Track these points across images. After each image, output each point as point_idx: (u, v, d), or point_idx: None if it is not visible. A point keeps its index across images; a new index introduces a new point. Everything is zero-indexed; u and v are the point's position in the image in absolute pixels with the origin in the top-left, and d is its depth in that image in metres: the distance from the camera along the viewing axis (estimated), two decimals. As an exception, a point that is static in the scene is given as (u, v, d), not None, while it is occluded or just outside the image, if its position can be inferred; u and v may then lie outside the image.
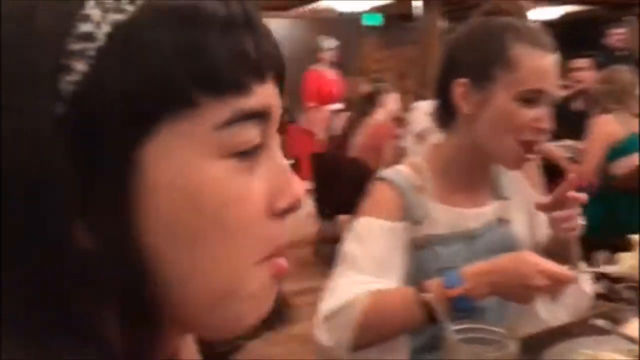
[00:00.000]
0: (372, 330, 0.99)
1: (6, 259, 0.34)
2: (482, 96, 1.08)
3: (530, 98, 1.05)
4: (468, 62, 1.10)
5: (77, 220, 0.35)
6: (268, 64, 0.39)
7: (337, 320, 0.99)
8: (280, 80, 0.41)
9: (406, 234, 1.11)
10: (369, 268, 1.05)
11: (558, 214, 1.08)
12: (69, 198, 0.34)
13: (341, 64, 5.99)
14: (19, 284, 0.34)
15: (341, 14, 7.48)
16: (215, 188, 0.37)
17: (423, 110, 3.49)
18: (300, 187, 0.41)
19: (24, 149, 0.34)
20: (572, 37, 7.77)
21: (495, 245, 1.15)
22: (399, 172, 1.17)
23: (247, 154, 0.38)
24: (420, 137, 3.37)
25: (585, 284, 1.16)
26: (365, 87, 4.43)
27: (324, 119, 5.24)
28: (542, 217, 1.22)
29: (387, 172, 1.17)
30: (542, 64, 1.06)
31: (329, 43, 5.70)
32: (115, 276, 0.35)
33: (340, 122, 4.53)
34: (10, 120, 0.34)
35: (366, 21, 9.14)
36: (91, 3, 0.36)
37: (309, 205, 5.10)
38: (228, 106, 0.37)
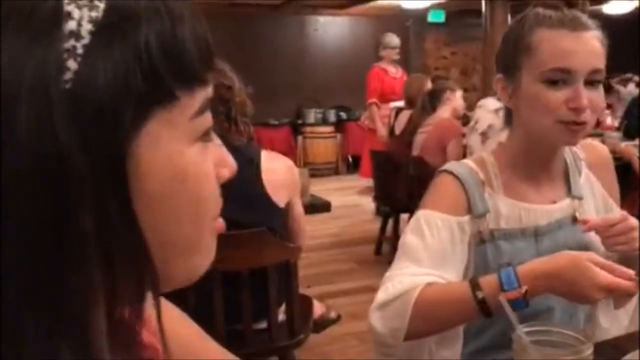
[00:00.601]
0: (425, 321, 0.99)
1: (16, 244, 0.36)
2: (514, 86, 1.11)
3: (554, 78, 1.05)
4: (500, 57, 1.15)
5: (84, 206, 0.37)
6: (212, 52, 0.44)
7: (391, 309, 1.01)
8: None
9: (469, 228, 1.11)
10: (427, 260, 1.06)
11: (609, 238, 1.07)
12: (82, 190, 0.37)
13: (405, 61, 5.93)
14: (23, 263, 0.36)
15: (404, 11, 7.40)
16: (194, 168, 0.43)
17: (488, 108, 3.42)
18: (232, 158, 0.49)
19: (35, 149, 0.36)
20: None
21: (564, 244, 1.11)
22: (463, 165, 1.16)
23: (205, 136, 0.44)
24: (485, 135, 3.30)
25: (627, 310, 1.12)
26: (428, 85, 4.36)
27: (385, 116, 5.21)
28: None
29: (451, 165, 1.17)
30: (562, 43, 1.05)
31: (393, 40, 5.65)
32: (115, 255, 0.39)
33: (402, 119, 4.49)
34: (21, 122, 0.35)
35: (430, 18, 9.02)
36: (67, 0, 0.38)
37: (369, 203, 5.10)
38: (198, 97, 0.43)
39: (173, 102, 0.41)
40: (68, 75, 0.36)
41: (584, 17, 1.08)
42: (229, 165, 0.48)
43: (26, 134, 0.35)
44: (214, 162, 0.46)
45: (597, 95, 1.06)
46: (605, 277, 0.91)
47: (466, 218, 1.10)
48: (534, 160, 1.16)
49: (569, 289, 0.94)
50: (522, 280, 0.93)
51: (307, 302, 2.19)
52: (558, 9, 1.08)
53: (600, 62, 1.06)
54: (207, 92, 0.44)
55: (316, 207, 2.75)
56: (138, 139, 0.39)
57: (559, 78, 1.05)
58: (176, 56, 0.40)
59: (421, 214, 1.11)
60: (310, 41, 9.03)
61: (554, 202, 1.16)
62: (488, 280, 0.96)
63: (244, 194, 1.69)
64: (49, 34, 0.36)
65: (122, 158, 0.39)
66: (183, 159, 0.42)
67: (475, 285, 0.96)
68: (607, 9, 7.83)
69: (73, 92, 0.37)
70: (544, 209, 1.14)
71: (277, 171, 1.80)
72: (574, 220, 1.15)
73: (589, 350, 0.76)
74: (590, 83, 1.05)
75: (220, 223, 0.48)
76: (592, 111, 1.05)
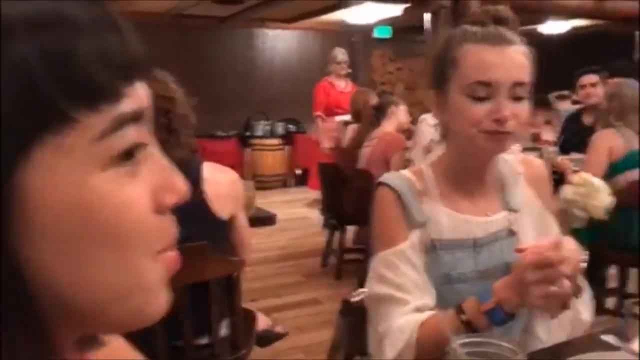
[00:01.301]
0: (428, 356, 1.05)
1: None
2: (443, 100, 1.14)
3: (477, 91, 1.08)
4: (431, 72, 1.18)
5: None
6: (136, 64, 0.39)
7: None
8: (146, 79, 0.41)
9: (417, 241, 1.13)
10: (412, 291, 1.10)
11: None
12: None
13: (351, 75, 6.02)
14: None
15: (350, 26, 7.50)
16: (102, 200, 0.37)
17: (428, 122, 3.50)
18: (182, 181, 0.42)
19: None
20: (580, 52, 7.76)
21: (501, 256, 1.15)
22: (400, 176, 1.19)
23: (127, 159, 0.38)
24: (428, 149, 3.37)
25: (584, 310, 1.16)
26: (374, 99, 4.43)
27: (331, 129, 5.25)
28: (554, 232, 1.22)
29: (388, 176, 1.20)
30: (484, 57, 1.08)
31: (339, 55, 5.72)
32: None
33: (349, 133, 4.54)
34: None
35: (376, 33, 9.17)
36: None
37: (316, 216, 5.10)
38: (104, 116, 0.36)
39: (69, 125, 0.35)
40: None
41: (509, 33, 1.11)
42: (176, 190, 0.41)
43: None
44: (152, 187, 0.40)
45: (522, 107, 1.09)
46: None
47: (413, 236, 1.13)
48: (467, 172, 1.19)
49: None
50: (494, 291, 1.00)
51: (250, 316, 2.17)
52: (485, 26, 1.12)
53: (524, 75, 1.09)
54: (122, 108, 0.37)
55: (262, 220, 2.73)
56: (27, 170, 0.34)
57: (482, 91, 1.07)
58: (67, 73, 0.34)
59: (376, 261, 1.14)
60: (259, 54, 9.03)
61: (488, 214, 1.18)
62: (469, 302, 1.02)
63: (184, 207, 1.66)
64: None
65: (4, 192, 0.33)
66: (85, 189, 0.36)
67: (459, 310, 1.02)
68: (544, 28, 8.17)
69: None
70: (481, 220, 1.17)
71: (219, 183, 1.78)
72: (509, 232, 1.18)
73: (521, 361, 0.77)
74: (514, 96, 1.08)
75: (172, 257, 0.42)
76: (516, 123, 1.08)
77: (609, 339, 1.11)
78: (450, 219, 1.15)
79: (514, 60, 1.09)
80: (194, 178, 1.72)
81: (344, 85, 5.71)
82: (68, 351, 0.42)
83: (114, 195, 0.37)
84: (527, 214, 1.22)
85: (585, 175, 2.88)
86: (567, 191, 2.86)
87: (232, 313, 1.89)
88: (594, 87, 4.05)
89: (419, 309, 1.09)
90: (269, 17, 8.11)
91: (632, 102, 3.04)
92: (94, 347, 0.45)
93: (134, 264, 0.39)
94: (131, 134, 0.38)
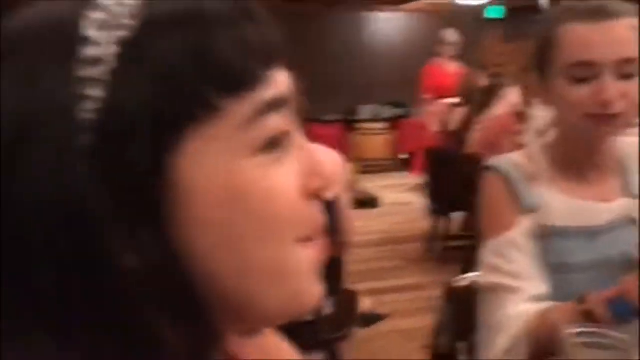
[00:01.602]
0: (543, 351, 1.00)
1: (62, 287, 0.34)
2: (545, 83, 1.08)
3: (579, 72, 1.01)
4: (533, 54, 1.12)
5: (118, 244, 0.34)
6: (274, 51, 0.39)
7: (515, 355, 1.02)
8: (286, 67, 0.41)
9: (527, 227, 1.09)
10: (526, 278, 1.06)
11: None
12: (107, 226, 0.34)
13: (462, 58, 5.85)
14: (73, 308, 0.34)
15: (461, 7, 7.26)
16: (252, 185, 0.37)
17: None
18: (326, 166, 0.42)
19: (55, 184, 0.33)
20: None
21: (620, 245, 1.07)
22: (508, 159, 1.14)
23: (273, 147, 0.38)
24: (541, 133, 3.20)
25: None
26: (483, 81, 4.27)
27: (440, 112, 5.13)
28: None
29: (495, 160, 1.15)
30: (584, 35, 1.00)
31: (451, 36, 5.57)
32: (164, 288, 0.36)
33: (457, 116, 4.41)
34: (37, 157, 0.34)
35: (488, 14, 8.81)
36: (90, 22, 0.35)
37: (421, 201, 5.04)
38: (247, 102, 0.37)
39: (213, 114, 0.36)
40: (91, 105, 0.34)
41: (616, 5, 1.02)
42: (320, 173, 0.41)
43: (46, 170, 0.33)
44: (298, 173, 0.40)
45: (633, 86, 1.00)
46: None
47: (524, 222, 1.08)
48: (580, 156, 1.12)
49: None
50: (621, 282, 0.92)
51: (353, 296, 2.19)
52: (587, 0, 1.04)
53: (631, 51, 1.00)
54: (263, 95, 0.38)
55: (364, 202, 2.74)
56: (178, 161, 0.36)
57: (583, 72, 1.01)
58: (208, 63, 0.36)
59: (486, 249, 1.10)
60: (367, 37, 8.98)
61: (606, 200, 1.11)
62: (593, 293, 0.95)
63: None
64: (65, 62, 0.34)
65: (151, 185, 0.35)
66: (234, 175, 0.37)
67: (580, 300, 0.95)
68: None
69: (96, 122, 0.34)
70: (599, 207, 1.10)
71: (323, 164, 1.80)
72: (632, 221, 1.10)
73: (635, 354, 0.72)
74: (623, 74, 1.00)
75: (320, 244, 0.42)
76: (627, 104, 1.00)
77: None
78: (564, 205, 1.09)
79: (616, 35, 1.00)
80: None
81: (453, 68, 5.56)
82: (227, 344, 0.43)
83: (263, 180, 0.38)
84: None
85: None
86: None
87: (336, 293, 1.92)
88: None
89: (534, 299, 1.04)
90: (377, 1, 8.04)
91: None
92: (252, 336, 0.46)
93: (285, 249, 0.39)
94: (275, 122, 0.38)
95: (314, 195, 0.41)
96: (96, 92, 0.34)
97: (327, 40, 8.67)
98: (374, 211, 3.43)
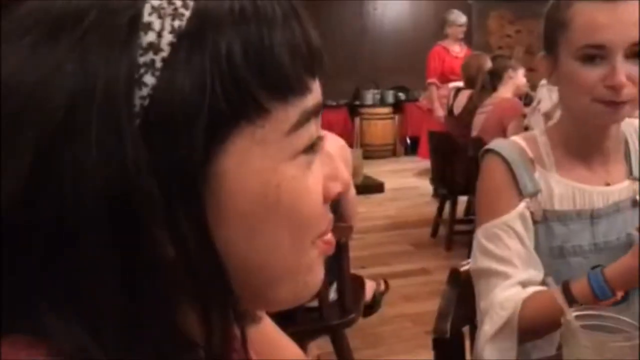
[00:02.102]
0: (530, 335, 1.03)
1: (104, 273, 0.34)
2: (553, 64, 1.06)
3: (589, 54, 0.99)
4: (542, 34, 1.10)
5: (160, 234, 0.35)
6: (318, 57, 0.40)
7: (501, 338, 1.03)
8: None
9: (527, 212, 1.08)
10: (510, 269, 1.06)
11: None
12: (151, 215, 0.34)
13: (467, 40, 5.77)
14: (109, 295, 0.35)
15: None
16: (289, 187, 0.39)
17: (551, 87, 3.29)
18: (345, 171, 0.45)
19: (104, 166, 0.33)
20: None
21: (622, 228, 1.07)
22: (511, 143, 1.13)
23: (310, 150, 0.40)
24: (548, 115, 3.17)
25: None
26: (488, 63, 4.23)
27: (445, 96, 5.09)
28: None
29: (497, 143, 1.13)
30: (595, 17, 0.98)
31: (459, 18, 5.48)
32: (198, 279, 0.37)
33: (462, 99, 4.38)
34: (89, 138, 0.33)
35: (493, -6, 8.72)
36: (147, 8, 0.35)
37: (427, 185, 5.02)
38: (295, 109, 0.38)
39: (263, 116, 0.37)
40: (144, 92, 0.34)
41: None
42: (341, 179, 0.44)
43: (95, 154, 0.33)
44: (325, 176, 0.42)
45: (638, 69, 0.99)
46: None
47: (521, 206, 1.07)
48: (584, 139, 1.10)
49: None
50: (613, 285, 0.94)
51: (359, 282, 2.19)
52: None
53: None
54: (308, 102, 0.39)
55: (370, 188, 2.73)
56: (222, 156, 0.36)
57: (594, 54, 0.99)
58: (264, 65, 0.36)
59: (480, 233, 1.10)
60: (369, 21, 8.92)
61: (609, 183, 1.10)
62: (581, 290, 0.96)
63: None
64: (124, 47, 0.34)
65: (196, 178, 0.35)
66: (276, 177, 0.38)
67: (569, 297, 0.95)
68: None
69: (148, 109, 0.34)
70: (600, 190, 1.09)
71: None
72: (635, 204, 1.09)
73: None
74: (633, 56, 0.98)
75: (330, 240, 0.44)
76: (634, 88, 0.98)
77: None
78: (565, 189, 1.08)
79: (629, 17, 0.98)
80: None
81: (458, 50, 5.49)
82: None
83: (298, 182, 0.40)
84: None
85: None
86: None
87: (341, 278, 1.92)
88: None
89: (522, 284, 1.04)
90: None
91: None
92: (250, 322, 0.48)
93: (304, 245, 0.42)
94: (313, 128, 0.40)
95: (333, 197, 0.43)
96: (151, 79, 0.34)
97: (330, 25, 8.62)
98: (379, 196, 3.43)
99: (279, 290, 0.42)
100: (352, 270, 2.10)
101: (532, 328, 1.01)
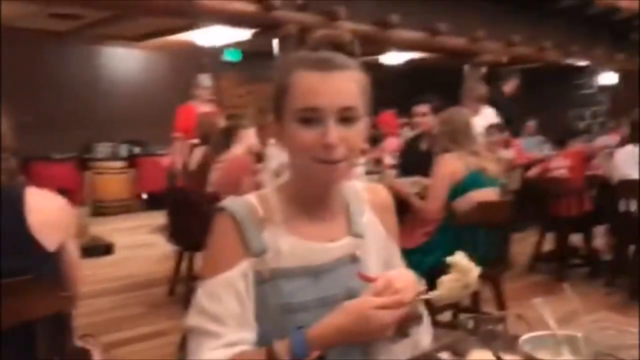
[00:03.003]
0: None
1: None
2: (280, 125, 1.14)
3: (306, 117, 1.09)
4: (270, 98, 1.17)
5: None
6: None
7: None
8: None
9: (250, 271, 1.09)
10: (229, 323, 1.07)
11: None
12: None
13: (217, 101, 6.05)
14: None
15: (200, 48, 7.39)
16: None
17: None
18: None
19: None
20: (416, 81, 8.33)
21: (343, 282, 1.14)
22: (242, 201, 1.15)
23: None
24: (278, 172, 3.38)
25: (425, 337, 1.19)
26: (221, 122, 4.38)
27: (185, 152, 5.14)
28: (397, 261, 1.26)
29: (228, 202, 1.15)
30: (310, 83, 1.09)
31: (207, 80, 5.77)
32: None
33: (197, 155, 4.43)
34: None
35: (226, 56, 9.14)
36: None
37: (163, 242, 4.89)
38: None
39: None
40: None
41: (342, 58, 1.12)
42: None
43: None
44: None
45: (353, 132, 1.10)
46: (389, 315, 1.02)
47: (245, 264, 1.09)
48: (311, 197, 1.17)
49: (362, 337, 1.05)
50: (312, 345, 1.01)
51: (84, 355, 1.98)
52: (317, 51, 1.13)
53: (352, 100, 1.10)
54: None
55: (97, 249, 2.54)
56: None
57: (310, 117, 1.08)
58: None
59: (200, 289, 1.09)
60: (103, 72, 8.57)
61: (333, 239, 1.18)
62: (283, 347, 1.01)
63: (5, 238, 1.48)
64: None
65: None
66: None
67: (271, 354, 0.99)
68: (384, 59, 8.71)
69: None
70: (325, 247, 1.16)
71: (45, 211, 1.60)
72: (352, 258, 1.18)
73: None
74: (345, 120, 1.09)
75: None
76: (347, 148, 1.09)
77: (444, 356, 1.15)
78: (291, 246, 1.13)
79: (340, 85, 1.09)
80: (16, 206, 1.53)
81: (207, 110, 5.68)
82: None
83: None
84: (371, 240, 1.23)
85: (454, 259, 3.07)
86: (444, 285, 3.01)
87: (62, 353, 1.71)
88: (424, 116, 4.37)
89: (231, 344, 1.05)
90: (113, 35, 7.73)
91: (464, 126, 3.30)
92: None
93: None
94: None
95: None
96: None
97: (59, 74, 8.03)
98: (110, 257, 3.20)
99: None
100: (79, 341, 1.89)
101: None
